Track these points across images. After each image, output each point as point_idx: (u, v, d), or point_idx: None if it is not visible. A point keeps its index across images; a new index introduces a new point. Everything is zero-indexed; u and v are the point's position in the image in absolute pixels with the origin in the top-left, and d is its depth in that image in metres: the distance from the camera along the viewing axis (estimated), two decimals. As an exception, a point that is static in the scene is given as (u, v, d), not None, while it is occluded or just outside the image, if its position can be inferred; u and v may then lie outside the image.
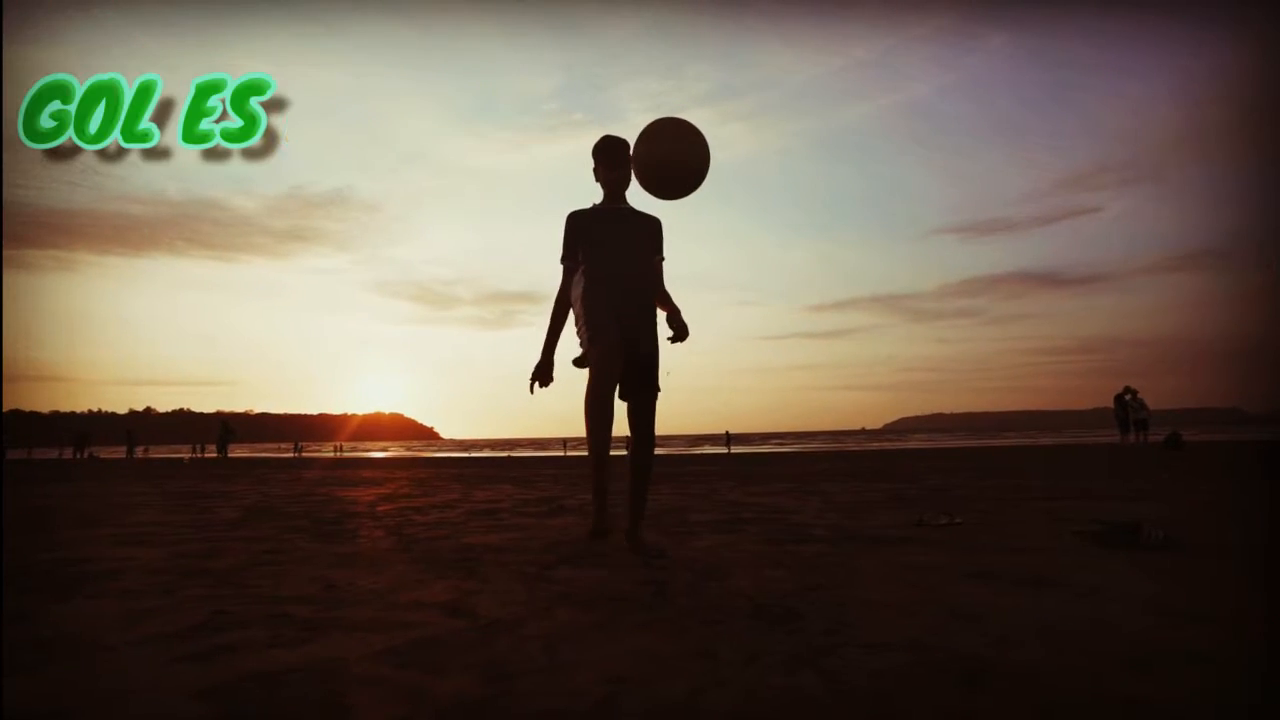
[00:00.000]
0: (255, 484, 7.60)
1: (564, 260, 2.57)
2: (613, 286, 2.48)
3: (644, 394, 2.51)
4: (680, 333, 2.50)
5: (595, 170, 2.58)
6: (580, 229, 2.55)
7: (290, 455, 30.76)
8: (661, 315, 2.59)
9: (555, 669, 1.24)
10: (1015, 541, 2.64)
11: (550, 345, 2.55)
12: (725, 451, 25.24)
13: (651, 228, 2.63)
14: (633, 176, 2.55)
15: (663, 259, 2.64)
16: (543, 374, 2.54)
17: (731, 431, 36.95)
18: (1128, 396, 16.58)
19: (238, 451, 40.50)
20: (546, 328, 2.57)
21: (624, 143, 2.55)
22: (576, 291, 2.53)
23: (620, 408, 2.47)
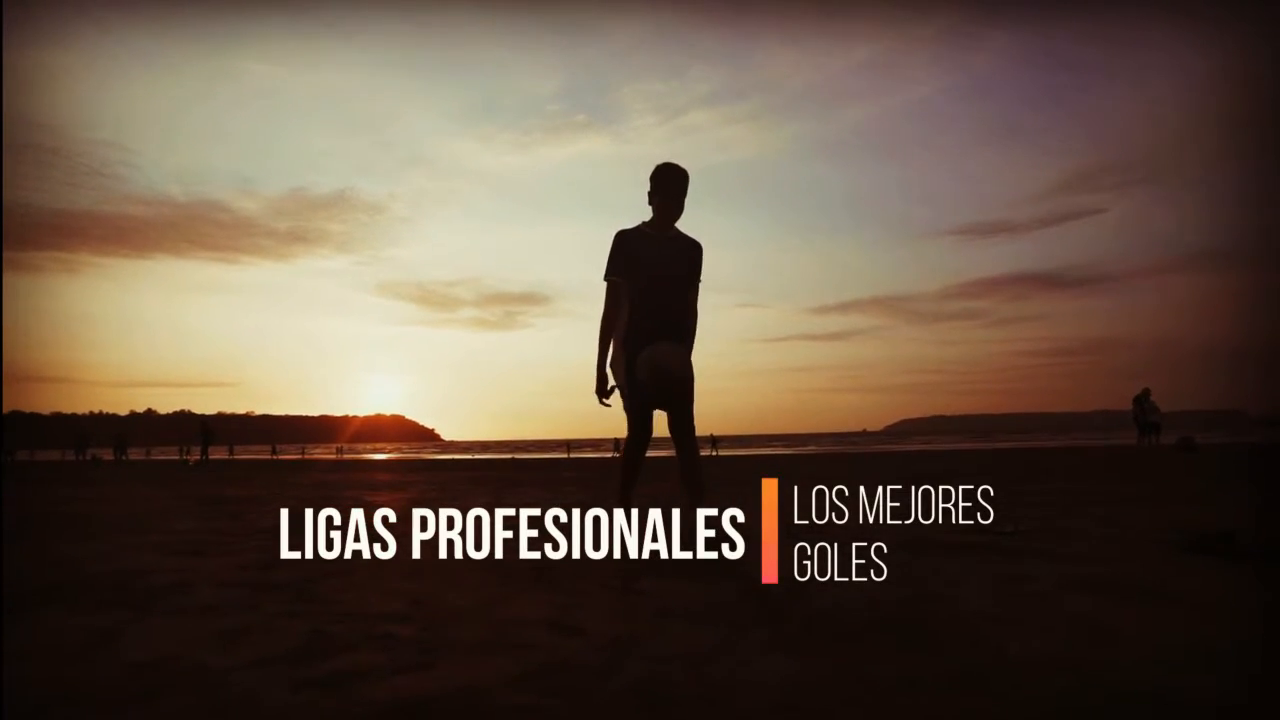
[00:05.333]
0: (273, 488, 7.52)
1: (609, 277, 2.63)
2: (655, 316, 2.60)
3: (681, 407, 2.62)
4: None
5: (650, 195, 2.63)
6: (629, 250, 2.61)
7: (295, 457, 30.54)
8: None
9: (713, 695, 1.17)
10: (1098, 550, 2.57)
11: (602, 364, 2.66)
12: (711, 454, 24.03)
13: (694, 254, 2.71)
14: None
15: (700, 282, 2.74)
16: (601, 392, 2.67)
17: (722, 435, 35.83)
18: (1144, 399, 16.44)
19: (241, 454, 40.31)
20: (597, 347, 2.66)
21: (683, 173, 2.61)
22: (623, 319, 2.64)
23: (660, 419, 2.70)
